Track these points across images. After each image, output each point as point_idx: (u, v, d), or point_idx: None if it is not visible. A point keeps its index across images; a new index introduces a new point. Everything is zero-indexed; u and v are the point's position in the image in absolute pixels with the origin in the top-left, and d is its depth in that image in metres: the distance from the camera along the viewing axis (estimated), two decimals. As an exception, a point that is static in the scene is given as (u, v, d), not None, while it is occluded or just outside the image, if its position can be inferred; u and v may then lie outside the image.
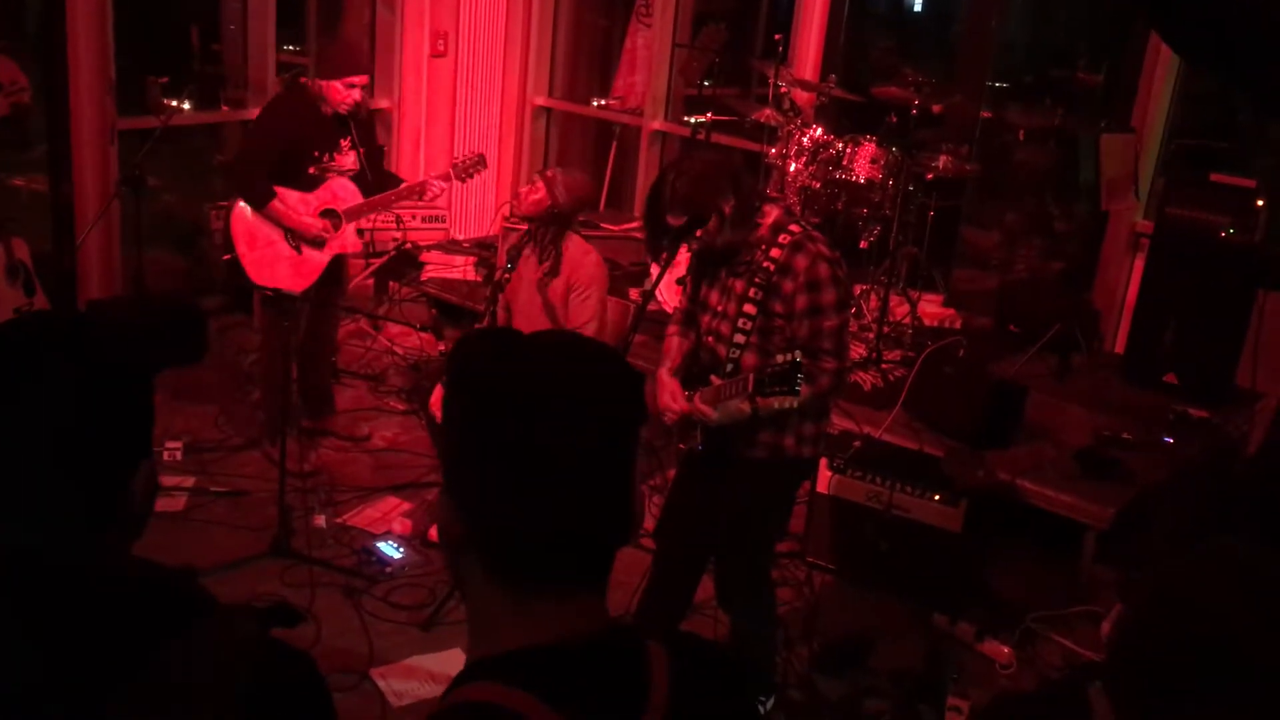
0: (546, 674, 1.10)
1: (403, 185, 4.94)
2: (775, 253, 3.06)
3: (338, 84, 4.61)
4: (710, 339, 3.24)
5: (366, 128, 4.90)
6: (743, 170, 3.22)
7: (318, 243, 4.77)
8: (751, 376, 2.94)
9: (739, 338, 3.11)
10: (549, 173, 4.30)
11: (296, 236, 4.76)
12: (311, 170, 4.72)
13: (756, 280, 3.07)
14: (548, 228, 4.27)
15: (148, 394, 1.32)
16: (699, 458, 3.27)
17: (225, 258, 4.82)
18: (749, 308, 3.08)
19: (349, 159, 4.79)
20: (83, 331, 1.29)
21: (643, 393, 1.21)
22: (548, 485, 1.11)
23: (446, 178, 4.91)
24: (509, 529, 1.12)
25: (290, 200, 4.71)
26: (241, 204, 4.73)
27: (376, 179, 4.90)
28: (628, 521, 1.17)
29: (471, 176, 4.97)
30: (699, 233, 3.06)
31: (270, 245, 4.75)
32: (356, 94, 4.65)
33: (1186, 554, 1.29)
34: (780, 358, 2.89)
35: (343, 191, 4.79)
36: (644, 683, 1.15)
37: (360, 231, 6.66)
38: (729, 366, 3.13)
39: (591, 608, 1.17)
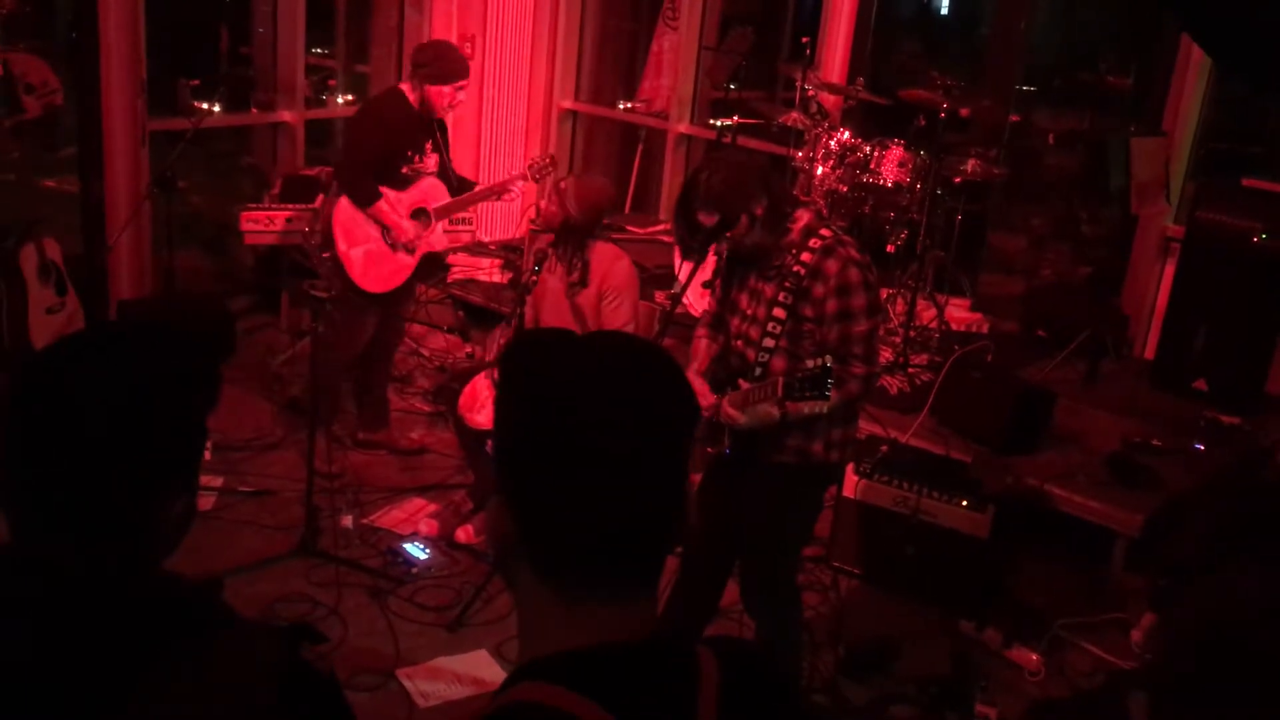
0: (599, 676, 1.10)
1: (483, 186, 5.07)
2: (806, 256, 3.05)
3: (447, 89, 4.70)
4: (739, 343, 3.23)
5: (444, 132, 5.00)
6: (774, 173, 3.21)
7: (409, 248, 4.85)
8: (781, 380, 2.93)
9: (768, 341, 3.10)
10: (562, 184, 4.29)
11: (392, 236, 4.84)
12: (404, 170, 4.80)
13: (786, 284, 3.06)
14: (566, 240, 4.28)
15: (194, 428, 1.33)
16: (726, 462, 3.26)
17: (325, 255, 4.84)
18: (778, 311, 3.07)
19: (431, 160, 4.88)
20: (127, 352, 1.30)
21: (694, 394, 1.21)
22: (599, 486, 1.11)
23: (523, 178, 5.02)
24: (560, 530, 1.13)
25: (389, 199, 4.78)
26: (344, 200, 4.78)
27: (455, 179, 5.02)
28: (679, 523, 1.17)
29: (546, 176, 5.04)
30: (729, 234, 3.06)
31: (368, 241, 4.81)
32: (463, 96, 4.79)
33: (1233, 572, 1.28)
34: (810, 362, 2.88)
35: (433, 191, 4.88)
36: (694, 688, 1.15)
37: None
38: (757, 370, 3.12)
39: (643, 611, 1.17)
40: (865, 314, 3.03)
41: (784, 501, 3.24)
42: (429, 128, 4.84)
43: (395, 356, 5.50)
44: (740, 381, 3.13)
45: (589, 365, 1.15)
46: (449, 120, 5.05)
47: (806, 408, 2.96)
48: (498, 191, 5.02)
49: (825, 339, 3.04)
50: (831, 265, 3.02)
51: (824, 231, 3.08)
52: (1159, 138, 5.55)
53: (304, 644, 1.31)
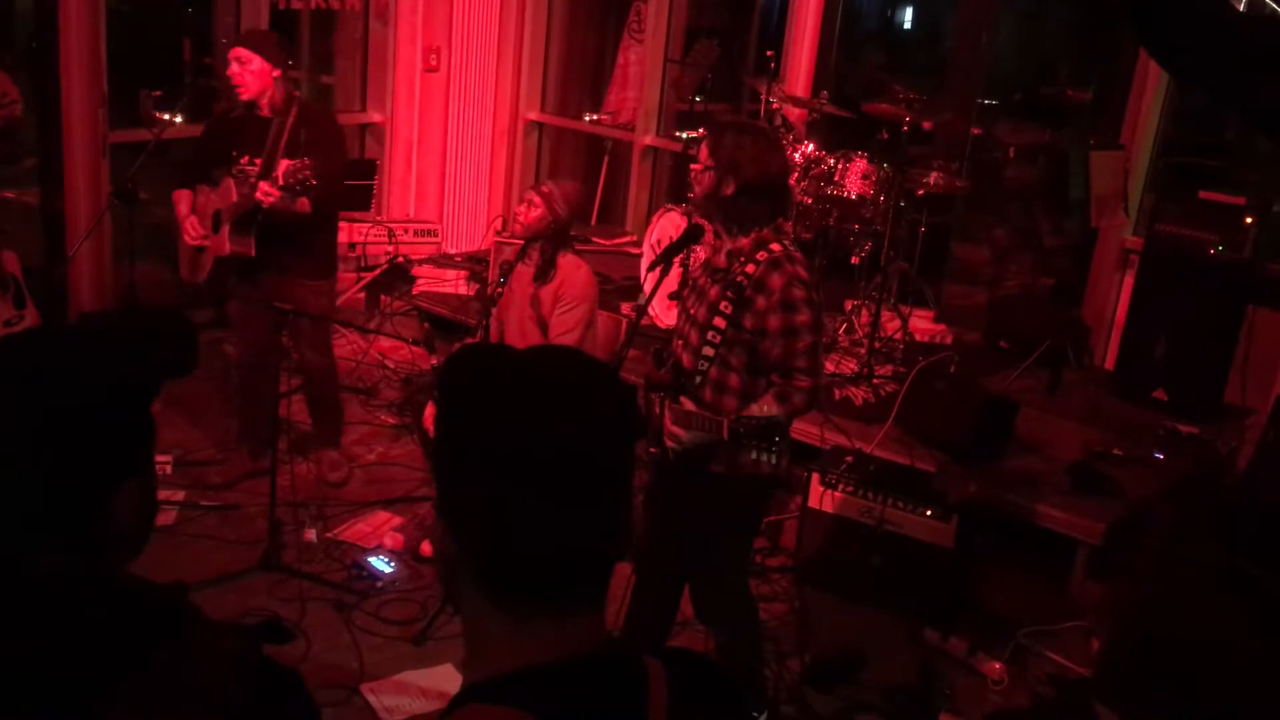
0: (545, 694, 1.10)
1: (242, 196, 4.44)
2: (750, 268, 3.07)
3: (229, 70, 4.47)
4: (679, 342, 3.25)
5: (301, 129, 4.48)
6: (786, 194, 3.26)
7: (197, 244, 4.69)
8: (726, 424, 2.93)
9: (707, 350, 3.11)
10: (544, 188, 4.28)
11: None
12: (234, 170, 4.55)
13: (729, 294, 3.08)
14: (549, 242, 4.27)
15: (139, 410, 1.32)
16: (668, 468, 3.24)
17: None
18: (719, 321, 3.09)
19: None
20: (68, 349, 1.29)
21: (636, 407, 1.21)
22: (541, 504, 1.10)
23: (275, 182, 4.29)
24: (503, 549, 1.12)
25: (201, 197, 4.66)
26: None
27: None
28: (623, 537, 1.17)
29: (294, 184, 4.25)
30: (703, 165, 3.09)
31: (186, 234, 4.75)
32: (233, 69, 4.44)
33: (1174, 566, 1.30)
34: (757, 407, 2.90)
35: (226, 194, 4.54)
36: (642, 700, 1.15)
37: (352, 244, 6.71)
38: (697, 378, 3.14)
39: (589, 626, 1.17)
40: (809, 330, 3.05)
41: (721, 510, 3.23)
42: (261, 124, 4.51)
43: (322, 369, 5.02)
44: (683, 400, 3.13)
45: (529, 382, 1.14)
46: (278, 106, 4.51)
47: (754, 453, 3.01)
48: (247, 195, 4.36)
49: (769, 354, 3.06)
50: (776, 280, 3.03)
51: (774, 246, 3.09)
52: (1118, 151, 5.63)
53: (266, 641, 1.30)
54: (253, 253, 4.52)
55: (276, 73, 4.49)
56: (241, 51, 4.46)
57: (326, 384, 5.03)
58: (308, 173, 4.23)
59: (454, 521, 1.15)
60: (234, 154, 4.56)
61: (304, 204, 4.42)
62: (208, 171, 4.69)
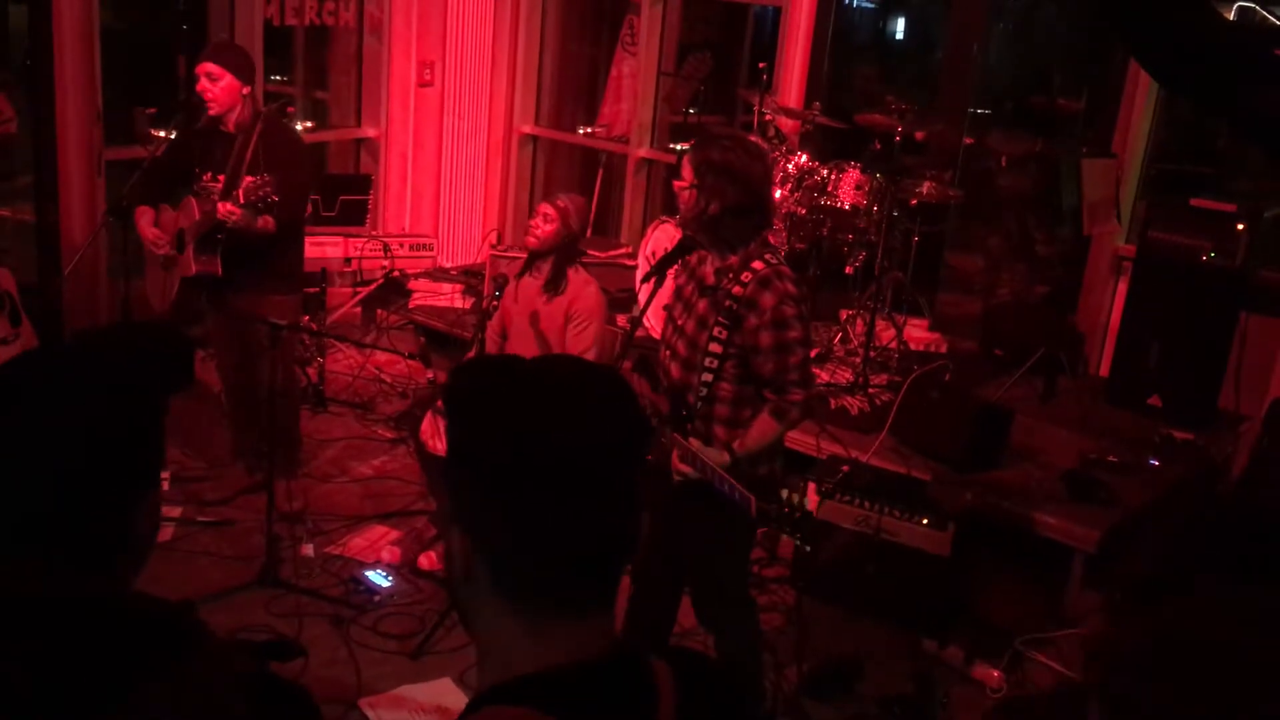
0: (560, 695, 1.12)
1: (204, 214, 4.40)
2: (736, 290, 3.07)
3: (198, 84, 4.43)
4: (666, 353, 3.25)
5: (266, 147, 4.40)
6: (768, 206, 3.25)
7: (165, 260, 4.63)
8: (753, 501, 2.92)
9: (706, 376, 3.12)
10: (560, 202, 4.28)
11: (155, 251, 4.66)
12: (196, 187, 4.51)
13: (720, 317, 3.09)
14: (560, 254, 4.29)
15: (150, 425, 1.33)
16: (667, 475, 3.24)
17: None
18: (715, 346, 3.10)
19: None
20: (76, 368, 1.31)
21: (644, 413, 1.23)
22: (547, 508, 1.12)
23: (237, 200, 4.25)
24: (519, 554, 1.14)
25: (164, 216, 4.61)
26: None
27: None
28: (632, 540, 1.19)
29: (256, 201, 4.22)
30: (691, 183, 3.08)
31: (150, 259, 4.74)
32: (203, 85, 4.38)
33: (1188, 595, 1.31)
34: (792, 496, 2.93)
35: (187, 212, 4.49)
36: (652, 701, 1.16)
37: (347, 259, 6.72)
38: (698, 402, 3.15)
39: (601, 627, 1.19)
40: (800, 344, 3.07)
41: (716, 516, 3.22)
42: (226, 141, 4.45)
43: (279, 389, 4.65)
44: (691, 441, 3.10)
45: (539, 389, 1.16)
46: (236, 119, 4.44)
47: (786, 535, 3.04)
48: (209, 214, 4.34)
49: (760, 371, 3.07)
50: (767, 299, 3.04)
51: (756, 265, 3.09)
52: (1109, 159, 5.66)
53: (273, 659, 1.32)
54: (219, 271, 4.46)
55: (245, 90, 4.45)
56: (212, 67, 4.40)
57: (286, 404, 4.74)
58: (268, 189, 4.18)
59: (468, 527, 1.16)
60: (197, 170, 4.52)
61: (268, 222, 4.35)
62: (170, 187, 4.65)
